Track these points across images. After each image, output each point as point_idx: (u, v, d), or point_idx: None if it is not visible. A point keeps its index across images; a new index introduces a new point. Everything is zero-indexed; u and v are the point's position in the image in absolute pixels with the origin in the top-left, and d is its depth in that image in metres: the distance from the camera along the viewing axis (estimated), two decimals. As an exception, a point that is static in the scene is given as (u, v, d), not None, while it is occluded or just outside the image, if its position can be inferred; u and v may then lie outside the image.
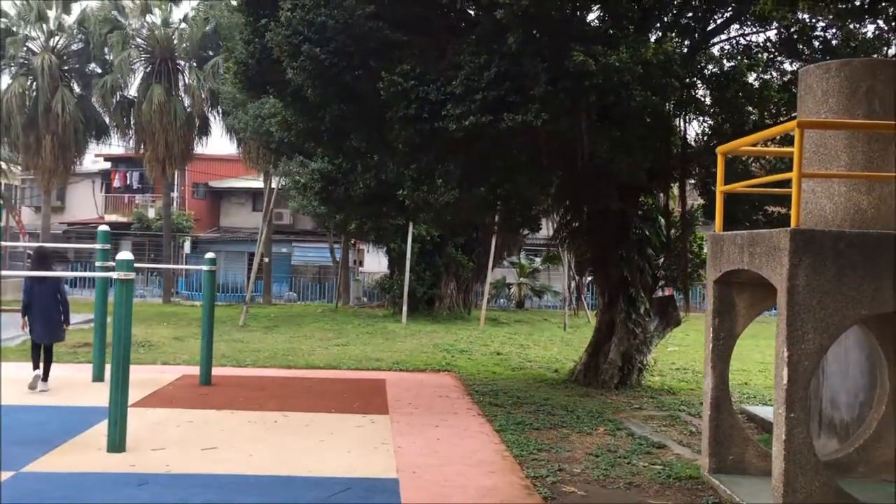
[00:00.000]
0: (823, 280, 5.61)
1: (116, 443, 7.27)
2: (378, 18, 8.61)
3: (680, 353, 17.17)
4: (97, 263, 11.34)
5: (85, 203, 44.30)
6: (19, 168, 32.63)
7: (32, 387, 10.21)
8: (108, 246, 11.12)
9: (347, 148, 10.39)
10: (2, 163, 28.87)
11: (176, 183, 41.29)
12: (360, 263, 35.34)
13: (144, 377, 11.65)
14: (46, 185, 30.40)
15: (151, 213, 40.12)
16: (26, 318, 10.41)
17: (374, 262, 32.76)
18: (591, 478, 7.18)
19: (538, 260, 33.06)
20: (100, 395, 9.65)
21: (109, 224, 40.81)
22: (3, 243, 28.82)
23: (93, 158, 42.17)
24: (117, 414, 7.30)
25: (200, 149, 32.27)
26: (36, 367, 10.48)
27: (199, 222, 42.52)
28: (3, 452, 6.98)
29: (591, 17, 10.03)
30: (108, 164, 43.57)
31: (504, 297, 33.01)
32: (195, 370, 11.78)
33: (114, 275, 7.33)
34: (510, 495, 6.56)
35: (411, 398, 10.81)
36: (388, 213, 12.00)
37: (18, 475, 6.45)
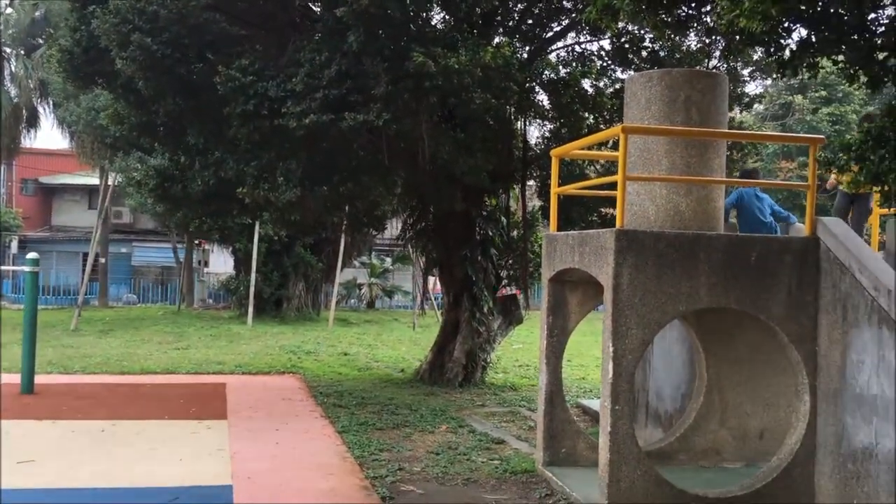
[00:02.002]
0: (645, 278, 5.89)
1: (-83, 460, 6.65)
2: (215, 10, 8.33)
3: (524, 350, 17.64)
4: None
5: None
6: None
7: None
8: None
9: (185, 144, 9.99)
10: None
11: (2, 178, 38.54)
12: (206, 264, 34.19)
13: (-42, 387, 10.77)
14: None
15: (-25, 211, 37.21)
16: None
17: (220, 262, 31.77)
18: (431, 475, 7.22)
19: (389, 260, 33.13)
20: None
21: (-76, 221, 37.64)
22: None
23: None
24: (-82, 428, 6.68)
25: (29, 142, 30.21)
26: None
27: (29, 220, 39.80)
28: None
29: (435, 19, 10.14)
30: (-78, 157, 40.09)
31: (355, 298, 32.87)
32: (17, 378, 10.98)
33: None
34: (348, 497, 6.49)
35: (252, 402, 10.53)
36: (228, 212, 11.64)
37: None
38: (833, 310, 5.94)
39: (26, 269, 10.47)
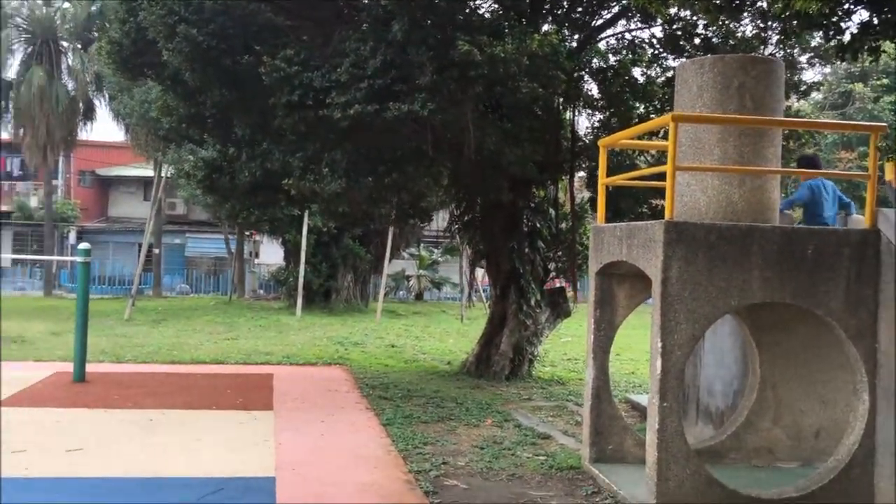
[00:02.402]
0: (695, 271, 5.70)
1: (-30, 446, 6.78)
2: (261, 0, 8.31)
3: (572, 343, 17.43)
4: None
5: (-42, 191, 41.82)
6: None
7: None
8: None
9: (232, 135, 10.03)
10: None
11: (61, 170, 39.48)
12: (257, 255, 34.59)
13: (13, 375, 10.99)
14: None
15: (34, 202, 38.19)
16: None
17: (271, 253, 32.10)
18: (475, 470, 7.13)
19: (437, 252, 33.10)
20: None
21: (-12, 213, 38.78)
22: None
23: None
24: (-29, 415, 6.80)
25: (85, 135, 30.91)
26: None
27: (87, 212, 40.75)
28: None
29: (483, 8, 10.00)
30: (-14, 150, 41.26)
31: (403, 290, 32.93)
32: (70, 367, 11.18)
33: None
34: (391, 491, 6.43)
35: (298, 393, 10.56)
36: (275, 203, 11.69)
37: None
38: (894, 304, 5.68)
39: (78, 259, 10.64)
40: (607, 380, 7.20)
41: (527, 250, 12.09)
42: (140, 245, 31.28)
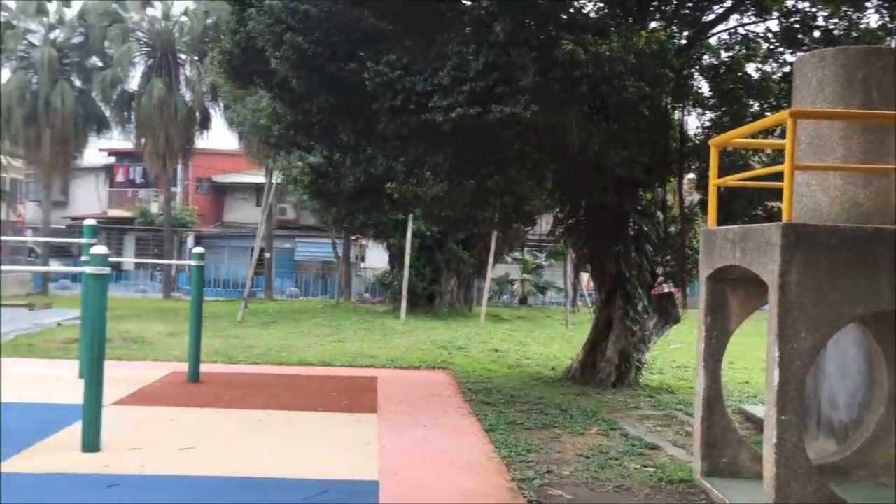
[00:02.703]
0: (817, 277, 5.36)
1: (91, 442, 7.07)
2: (364, 7, 8.38)
3: (682, 350, 16.90)
4: (82, 258, 11.13)
5: (89, 198, 44.30)
6: (20, 162, 32.50)
7: None
8: (94, 240, 10.89)
9: (338, 141, 10.17)
10: (3, 157, 28.68)
11: (179, 177, 41.26)
12: (363, 259, 35.17)
13: (133, 374, 11.47)
14: (47, 180, 30.29)
15: (155, 208, 40.04)
16: None
17: (377, 257, 32.58)
18: (580, 480, 6.95)
19: (542, 256, 32.81)
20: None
21: (113, 219, 40.98)
22: (3, 238, 28.76)
23: (97, 153, 42.10)
24: (91, 413, 7.10)
25: (202, 143, 32.15)
26: None
27: (203, 217, 42.46)
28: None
29: (588, 7, 9.79)
30: (111, 159, 43.50)
31: (507, 294, 32.80)
32: (185, 367, 11.57)
33: (87, 269, 7.13)
34: (494, 498, 6.33)
35: (402, 396, 10.60)
36: (379, 208, 11.78)
37: (-15, 476, 6.25)
38: None
39: (193, 263, 11.00)
40: (720, 389, 6.87)
41: (633, 254, 11.77)
42: (252, 249, 32.37)
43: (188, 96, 29.84)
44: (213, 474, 6.60)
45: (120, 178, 43.24)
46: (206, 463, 6.93)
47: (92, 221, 11.34)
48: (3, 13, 29.17)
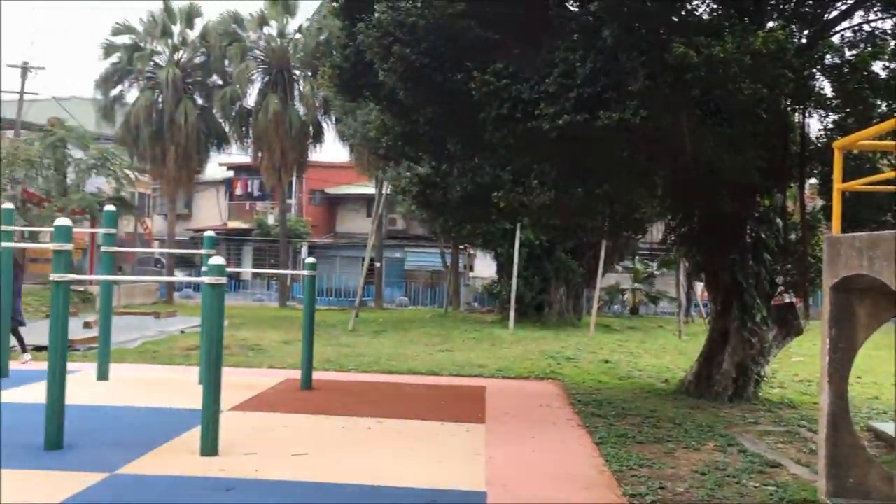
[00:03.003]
0: (954, 287, 4.99)
1: (209, 447, 7.31)
2: (469, 17, 8.39)
3: (805, 363, 16.13)
4: (202, 268, 11.57)
5: (210, 210, 46.24)
6: (147, 177, 34.24)
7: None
8: (213, 251, 11.32)
9: (445, 151, 10.23)
10: (131, 173, 30.27)
11: (294, 189, 42.51)
12: (471, 268, 35.27)
13: (250, 381, 11.83)
14: (171, 194, 31.76)
15: (271, 220, 41.34)
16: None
17: (486, 266, 32.61)
18: (695, 498, 6.70)
19: (653, 265, 32.07)
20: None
21: (233, 230, 42.53)
22: (133, 249, 30.28)
23: (218, 167, 43.91)
24: (209, 418, 7.34)
25: (314, 156, 33.01)
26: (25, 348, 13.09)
27: (317, 228, 43.59)
28: (105, 454, 7.16)
29: (700, 8, 9.49)
30: (231, 173, 45.28)
31: (618, 304, 32.21)
32: (299, 374, 11.85)
33: (205, 279, 7.39)
34: (604, 514, 6.19)
35: (510, 407, 10.52)
36: (486, 217, 11.76)
37: (112, 477, 6.56)
38: None
39: (305, 273, 11.27)
40: (846, 405, 6.51)
41: (751, 263, 11.32)
42: (363, 259, 32.99)
43: (302, 111, 30.71)
44: (323, 480, 6.71)
45: (239, 191, 44.92)
46: (317, 469, 7.05)
47: (211, 233, 11.81)
48: (131, 36, 30.83)
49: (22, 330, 13.11)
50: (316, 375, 12.11)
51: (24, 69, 39.60)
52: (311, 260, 11.37)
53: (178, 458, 7.23)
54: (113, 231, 11.37)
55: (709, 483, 7.11)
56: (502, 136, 8.47)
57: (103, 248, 11.37)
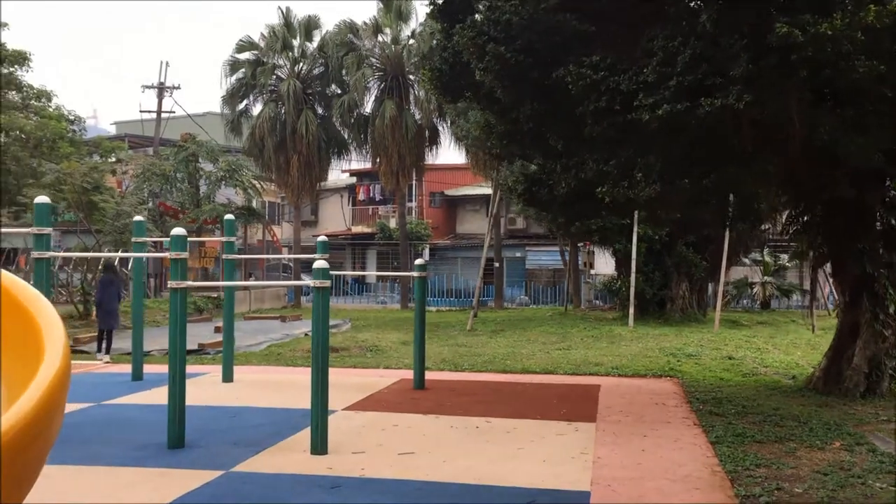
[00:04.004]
0: None
1: (318, 445, 7.53)
2: (565, 11, 8.28)
3: (950, 357, 15.01)
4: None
5: (335, 216, 47.64)
6: (273, 186, 35.62)
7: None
8: (326, 255, 11.66)
9: (548, 148, 10.13)
10: (257, 183, 31.58)
11: (414, 193, 43.22)
12: (591, 265, 34.77)
13: (365, 381, 12.12)
14: (295, 201, 32.90)
15: (392, 224, 42.15)
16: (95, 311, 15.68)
17: (606, 263, 32.10)
18: (814, 499, 6.36)
19: (785, 257, 30.67)
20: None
21: (357, 235, 43.64)
22: (253, 256, 31.52)
23: (341, 174, 45.18)
24: (318, 418, 7.56)
25: (431, 159, 33.41)
26: (99, 349, 14.80)
27: (437, 230, 44.14)
28: (222, 453, 7.50)
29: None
30: (353, 179, 46.49)
31: (747, 298, 30.98)
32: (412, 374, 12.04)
33: (310, 282, 7.62)
34: (712, 515, 5.97)
35: (623, 405, 10.32)
36: (593, 213, 11.56)
37: (227, 474, 6.85)
38: None
39: (415, 274, 11.43)
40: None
41: (881, 251, 10.64)
42: (486, 259, 33.12)
43: (418, 115, 31.18)
44: (427, 479, 6.78)
45: (361, 196, 46.05)
46: (422, 468, 7.14)
47: (323, 238, 12.18)
48: (254, 52, 32.15)
49: (151, 335, 14.12)
50: (430, 375, 12.27)
51: (161, 89, 42.00)
52: (420, 261, 11.52)
53: (290, 457, 7.48)
54: (232, 239, 11.89)
55: (830, 484, 6.74)
56: (602, 130, 8.32)
57: (224, 256, 11.89)
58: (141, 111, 38.97)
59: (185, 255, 7.78)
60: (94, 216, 21.12)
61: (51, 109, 30.98)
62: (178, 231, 7.82)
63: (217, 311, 25.25)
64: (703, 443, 8.26)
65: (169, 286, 7.74)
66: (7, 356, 3.05)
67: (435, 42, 10.89)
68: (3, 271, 3.20)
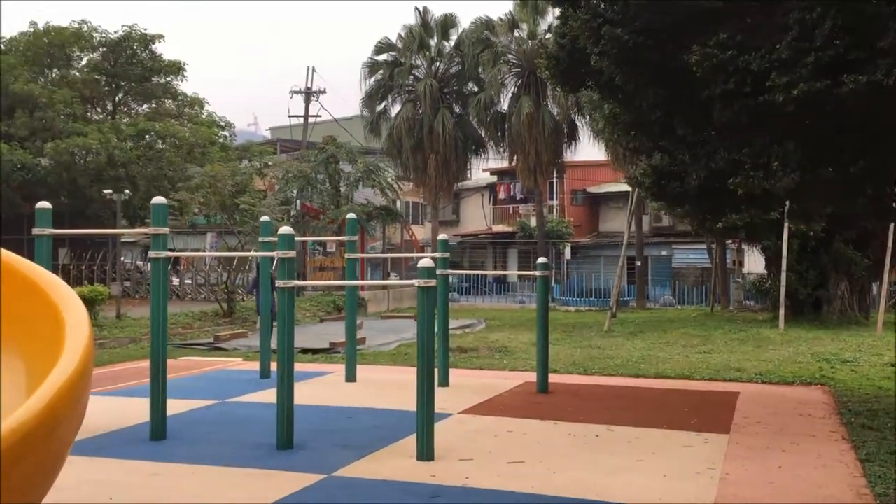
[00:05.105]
0: None
1: (424, 451, 7.26)
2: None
3: None
4: (437, 271, 11.69)
5: (476, 215, 47.62)
6: (411, 186, 35.99)
7: None
8: (447, 254, 11.42)
9: (676, 137, 9.43)
10: (394, 183, 31.98)
11: (555, 190, 42.53)
12: (740, 263, 32.93)
13: (488, 383, 11.80)
14: (433, 200, 33.03)
15: (533, 222, 41.62)
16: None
17: (756, 261, 30.29)
18: (981, 534, 5.48)
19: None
20: (442, 399, 9.89)
21: (497, 234, 43.53)
22: (374, 255, 31.88)
23: (481, 173, 45.11)
24: (423, 422, 7.28)
25: (570, 155, 32.71)
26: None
27: (580, 228, 43.24)
28: (328, 455, 7.36)
29: None
30: (494, 178, 46.29)
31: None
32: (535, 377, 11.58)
33: (414, 282, 7.36)
34: (853, 547, 5.23)
35: (763, 416, 9.46)
36: (730, 207, 10.70)
37: (328, 479, 6.69)
38: None
39: (538, 273, 10.98)
40: None
41: None
42: (629, 258, 32.02)
43: (555, 111, 30.56)
44: (532, 491, 6.36)
45: (502, 195, 45.78)
46: (529, 478, 6.72)
47: (444, 236, 11.92)
48: (391, 54, 32.54)
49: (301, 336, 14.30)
50: (557, 378, 11.80)
51: (308, 93, 43.43)
52: (542, 260, 11.08)
53: (394, 462, 7.24)
54: (354, 238, 11.85)
55: None
56: (732, 115, 7.59)
57: (347, 255, 11.87)
58: (289, 115, 40.34)
59: (291, 253, 7.71)
60: (237, 218, 21.91)
61: (203, 116, 32.66)
62: (285, 230, 7.76)
63: (358, 310, 25.66)
64: (851, 461, 7.39)
65: (277, 285, 7.69)
66: (29, 340, 2.96)
67: (550, 28, 10.35)
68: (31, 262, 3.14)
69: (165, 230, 7.94)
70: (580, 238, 42.86)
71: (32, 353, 2.94)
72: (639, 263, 31.54)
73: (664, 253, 39.50)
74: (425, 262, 7.40)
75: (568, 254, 41.19)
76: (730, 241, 28.69)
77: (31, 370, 2.91)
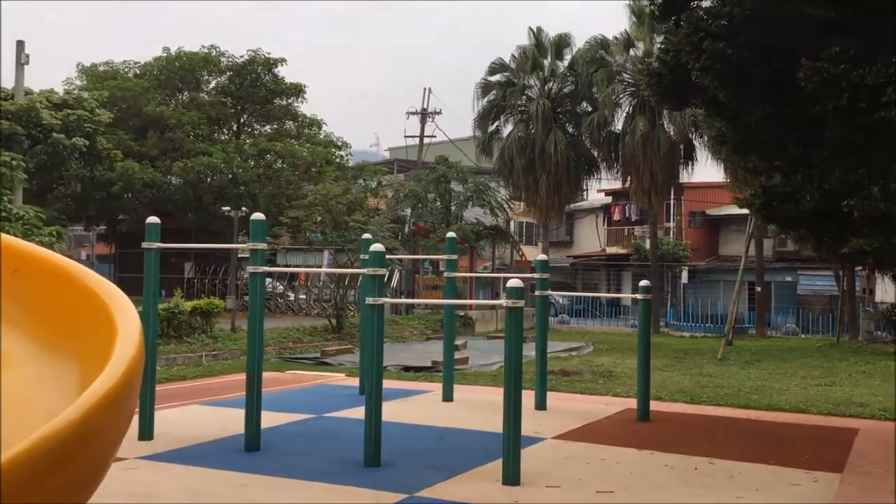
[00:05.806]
0: None
1: (509, 476, 7.08)
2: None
3: None
4: (536, 292, 11.53)
5: (590, 237, 46.96)
6: (522, 207, 35.79)
7: None
8: (546, 275, 11.22)
9: (788, 157, 8.95)
10: (505, 203, 31.87)
11: (672, 212, 41.39)
12: (870, 292, 31.02)
13: (588, 408, 11.48)
14: (544, 221, 32.73)
15: (648, 244, 40.62)
16: None
17: (886, 290, 28.45)
18: None
19: None
20: (536, 423, 9.72)
21: (611, 256, 42.77)
22: (469, 274, 31.70)
23: (595, 194, 44.46)
24: (510, 446, 7.12)
25: (686, 177, 31.75)
26: None
27: (698, 251, 41.92)
28: (413, 475, 7.29)
29: None
30: (608, 199, 45.53)
31: None
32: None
33: (503, 302, 7.23)
34: None
35: (882, 455, 8.79)
36: (848, 231, 10.05)
37: (409, 499, 6.62)
38: None
39: (639, 296, 10.64)
40: None
41: None
42: (750, 283, 30.70)
43: (672, 131, 29.78)
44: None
45: (616, 216, 44.96)
46: (615, 511, 6.44)
47: (543, 256, 11.76)
48: (505, 74, 32.55)
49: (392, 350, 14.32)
50: (661, 406, 11.39)
51: (423, 114, 44.08)
52: (645, 283, 10.71)
53: (478, 485, 7.11)
54: (454, 257, 11.82)
55: None
56: (846, 132, 7.12)
57: (445, 274, 11.85)
58: (405, 136, 41.09)
59: (382, 271, 7.72)
60: (348, 235, 22.34)
61: (321, 136, 33.61)
62: (376, 247, 7.78)
63: (465, 329, 25.63)
64: (981, 510, 6.74)
65: (366, 302, 7.72)
66: (85, 348, 3.01)
67: (656, 43, 10.05)
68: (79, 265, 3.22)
69: (263, 245, 8.12)
70: (698, 261, 41.52)
71: (87, 361, 2.98)
72: (759, 289, 30.18)
73: (788, 279, 37.75)
74: (514, 282, 7.25)
75: (685, 277, 39.94)
76: (859, 268, 27.08)
77: (84, 377, 2.95)
